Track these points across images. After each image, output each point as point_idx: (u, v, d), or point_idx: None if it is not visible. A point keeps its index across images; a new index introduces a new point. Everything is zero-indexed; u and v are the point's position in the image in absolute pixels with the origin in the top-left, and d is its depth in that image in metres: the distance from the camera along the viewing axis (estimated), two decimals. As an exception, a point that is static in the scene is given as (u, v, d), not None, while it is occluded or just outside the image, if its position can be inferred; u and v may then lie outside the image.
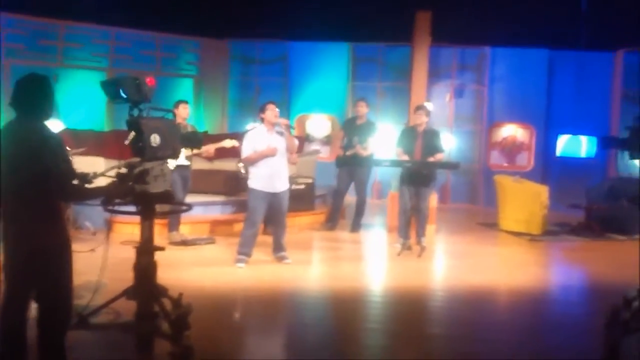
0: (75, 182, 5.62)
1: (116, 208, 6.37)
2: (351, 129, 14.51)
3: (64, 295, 5.68)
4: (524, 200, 15.30)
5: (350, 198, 14.99)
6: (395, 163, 12.96)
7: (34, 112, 5.56)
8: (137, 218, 6.34)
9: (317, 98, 20.92)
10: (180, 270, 10.30)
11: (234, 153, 13.26)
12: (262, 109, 11.18)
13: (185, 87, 21.28)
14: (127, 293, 6.32)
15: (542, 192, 15.42)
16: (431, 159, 12.66)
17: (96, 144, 14.09)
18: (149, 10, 19.24)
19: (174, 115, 11.60)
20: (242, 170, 13.60)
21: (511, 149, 20.67)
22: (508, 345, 7.99)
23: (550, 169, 20.33)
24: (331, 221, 14.85)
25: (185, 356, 6.20)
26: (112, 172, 6.10)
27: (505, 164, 20.50)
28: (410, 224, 12.78)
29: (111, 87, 6.27)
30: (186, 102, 12.86)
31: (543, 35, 19.88)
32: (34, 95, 5.59)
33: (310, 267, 11.97)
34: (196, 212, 12.35)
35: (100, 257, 6.35)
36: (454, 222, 16.70)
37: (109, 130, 18.01)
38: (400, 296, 10.09)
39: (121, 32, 19.79)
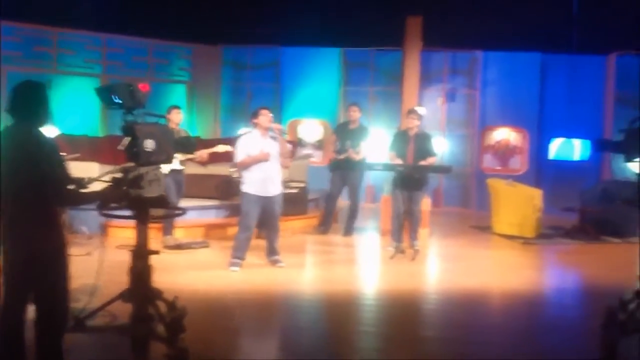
0: (71, 187, 5.67)
1: (111, 212, 6.41)
2: (344, 133, 14.55)
3: (61, 298, 5.72)
4: (517, 204, 15.34)
5: (343, 202, 15.02)
6: (388, 167, 13.00)
7: (30, 118, 5.61)
8: (132, 222, 6.37)
9: (309, 103, 20.96)
10: (175, 274, 10.31)
11: (227, 158, 13.28)
12: (256, 114, 11.23)
13: (178, 93, 21.30)
14: (123, 296, 6.35)
15: (535, 196, 15.47)
16: (423, 163, 12.70)
17: (90, 149, 14.12)
18: (141, 16, 19.30)
19: (167, 120, 11.65)
20: (235, 175, 13.64)
21: (504, 153, 20.71)
22: (502, 347, 8.02)
23: (544, 172, 20.36)
24: (324, 225, 14.89)
25: (181, 358, 6.24)
26: (107, 177, 6.14)
27: (498, 168, 20.53)
28: (403, 228, 12.83)
29: (106, 94, 6.31)
30: (179, 108, 12.90)
31: (535, 39, 19.92)
32: (30, 102, 5.64)
33: (304, 270, 12.03)
34: (190, 217, 12.39)
35: (96, 261, 6.40)
36: (446, 226, 16.74)
37: (103, 135, 18.02)
38: (393, 299, 10.12)
39: (114, 38, 19.83)
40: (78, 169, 6.09)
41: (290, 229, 14.51)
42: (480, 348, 7.94)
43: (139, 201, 6.15)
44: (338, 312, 9.40)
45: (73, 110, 17.79)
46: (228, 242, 12.13)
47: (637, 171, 7.39)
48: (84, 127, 18.16)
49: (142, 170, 6.09)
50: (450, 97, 20.64)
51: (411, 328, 8.79)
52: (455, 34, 19.27)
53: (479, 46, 20.36)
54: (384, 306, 9.93)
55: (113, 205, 6.33)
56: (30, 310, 5.73)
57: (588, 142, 20.00)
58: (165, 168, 10.12)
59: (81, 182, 5.80)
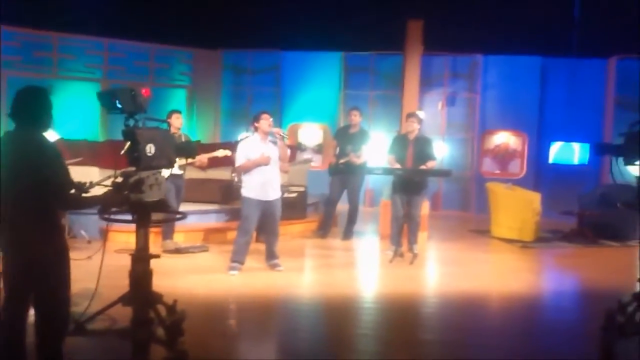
0: (72, 191, 5.71)
1: (112, 216, 6.44)
2: (344, 137, 14.57)
3: (61, 302, 5.76)
4: (516, 208, 15.37)
5: (342, 206, 15.04)
6: (388, 171, 13.01)
7: (32, 123, 5.66)
8: (132, 227, 6.40)
9: (309, 107, 21.02)
10: (174, 277, 10.33)
11: (227, 162, 13.34)
12: (256, 119, 11.25)
13: (178, 97, 21.37)
14: (123, 300, 6.38)
15: (534, 199, 15.51)
16: (423, 167, 12.73)
17: (91, 154, 14.13)
18: (142, 21, 19.34)
19: (168, 125, 11.66)
20: (235, 179, 13.69)
21: (504, 156, 20.76)
22: (500, 350, 8.03)
23: (543, 176, 20.40)
24: (323, 229, 14.91)
25: (180, 361, 6.29)
26: (108, 182, 6.17)
27: (498, 171, 20.58)
28: (402, 232, 12.84)
29: (107, 98, 6.33)
30: (179, 112, 12.92)
31: (535, 43, 19.98)
32: (33, 107, 5.68)
33: (303, 274, 12.04)
34: (190, 221, 12.42)
35: (96, 265, 6.43)
36: (446, 230, 16.77)
37: (104, 140, 18.08)
38: (392, 302, 10.14)
39: (115, 43, 19.90)
40: (78, 173, 6.11)
41: (289, 233, 14.56)
42: (479, 351, 7.98)
43: (140, 205, 6.18)
44: (337, 315, 9.42)
45: (73, 115, 17.83)
46: (227, 246, 12.14)
47: (637, 174, 7.41)
48: (84, 131, 18.21)
49: (143, 174, 6.12)
50: (451, 100, 20.71)
51: (410, 331, 8.81)
52: (456, 38, 19.31)
53: (480, 50, 20.42)
54: (383, 309, 9.96)
55: (114, 209, 6.36)
56: (31, 314, 5.78)
57: (587, 146, 20.04)
58: (165, 172, 10.16)
59: (82, 187, 5.84)
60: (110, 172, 6.20)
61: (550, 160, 20.66)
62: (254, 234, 11.91)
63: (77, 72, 19.32)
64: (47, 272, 5.61)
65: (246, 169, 11.08)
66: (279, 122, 19.32)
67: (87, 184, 5.87)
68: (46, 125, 5.78)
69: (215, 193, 15.03)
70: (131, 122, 6.26)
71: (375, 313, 9.79)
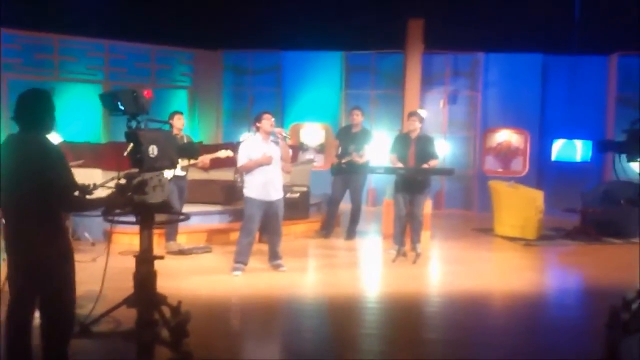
0: (76, 193, 5.72)
1: (116, 218, 6.44)
2: (346, 137, 14.55)
3: (66, 304, 5.78)
4: (519, 206, 15.36)
5: (345, 206, 15.04)
6: (390, 170, 13.01)
7: (36, 125, 5.68)
8: (135, 228, 6.40)
9: (311, 107, 21.00)
10: (178, 279, 10.35)
11: (229, 163, 13.34)
12: (258, 119, 11.26)
13: (179, 98, 21.38)
14: (128, 301, 6.39)
15: (537, 197, 15.50)
16: (425, 166, 12.72)
17: (93, 156, 14.14)
18: (142, 23, 19.35)
19: (170, 126, 11.67)
20: (238, 179, 13.70)
21: (506, 154, 20.74)
22: (504, 348, 8.04)
23: (546, 173, 20.39)
24: (326, 229, 14.91)
25: (185, 362, 6.30)
26: (111, 183, 6.18)
27: (500, 170, 20.57)
28: (405, 231, 12.84)
29: (109, 100, 6.34)
30: (181, 113, 12.92)
31: (536, 40, 19.96)
32: (36, 109, 5.70)
33: (306, 274, 12.07)
34: (193, 222, 12.40)
35: (100, 267, 6.44)
36: (448, 228, 16.78)
37: (106, 142, 18.09)
38: (395, 302, 10.15)
39: (116, 45, 19.90)
40: (81, 175, 6.12)
41: (292, 233, 14.56)
42: (483, 350, 7.99)
43: (143, 207, 6.18)
44: (340, 315, 9.42)
45: (75, 117, 17.83)
46: (230, 247, 12.16)
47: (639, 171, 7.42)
48: (86, 133, 18.23)
49: (146, 176, 6.12)
50: (452, 99, 20.70)
51: (414, 330, 8.83)
52: (457, 36, 19.29)
53: (481, 48, 20.40)
54: (386, 309, 9.97)
55: (117, 211, 6.37)
56: (36, 317, 5.80)
57: (590, 143, 20.04)
58: (167, 174, 10.18)
59: (86, 189, 5.85)
60: (113, 174, 6.20)
61: (553, 157, 20.66)
62: (257, 235, 11.91)
63: (79, 74, 19.33)
64: (51, 274, 5.63)
65: (248, 169, 11.09)
66: (280, 122, 19.34)
67: (91, 186, 5.88)
68: (49, 128, 5.80)
69: (218, 194, 15.03)
70: (134, 124, 6.27)
71: (379, 312, 9.80)
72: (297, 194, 15.13)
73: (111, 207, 6.24)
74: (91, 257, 10.42)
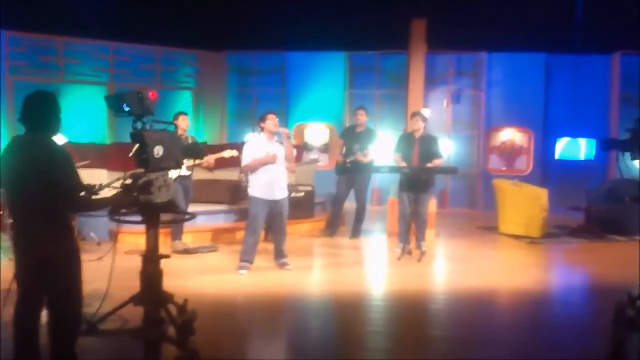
0: (82, 193, 5.77)
1: (122, 218, 6.48)
2: (351, 137, 14.59)
3: (74, 303, 5.84)
4: (523, 204, 15.39)
5: (349, 205, 15.07)
6: (394, 169, 13.06)
7: (42, 127, 5.74)
8: (141, 228, 6.43)
9: (315, 107, 21.06)
10: (184, 278, 10.40)
11: (234, 163, 13.38)
12: (262, 119, 11.31)
13: (184, 99, 21.41)
14: (134, 300, 6.42)
15: (541, 195, 15.51)
16: (429, 165, 12.76)
17: (99, 156, 14.17)
18: (146, 24, 19.39)
19: (175, 127, 11.71)
20: (244, 179, 13.74)
21: (510, 153, 20.77)
22: (509, 346, 8.07)
23: (550, 172, 20.41)
24: (331, 228, 14.95)
25: (191, 360, 6.33)
26: (117, 184, 6.22)
27: (504, 168, 20.60)
28: (409, 229, 12.88)
29: (115, 101, 6.36)
30: (185, 114, 12.97)
31: (539, 39, 19.99)
32: (42, 112, 5.77)
33: (311, 272, 12.07)
34: (198, 221, 12.49)
35: (106, 266, 6.49)
36: (453, 227, 16.82)
37: (111, 143, 18.13)
38: (400, 300, 10.18)
39: (120, 46, 19.96)
40: (87, 176, 6.17)
41: (297, 232, 14.62)
42: (488, 347, 8.01)
43: (149, 206, 6.22)
44: (346, 313, 9.46)
45: (80, 118, 17.89)
46: (236, 246, 12.21)
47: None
48: (91, 134, 18.28)
49: (152, 176, 6.16)
50: (456, 98, 20.72)
51: (419, 328, 8.84)
52: (460, 36, 19.32)
53: (484, 47, 20.42)
54: (391, 307, 9.99)
55: (123, 211, 6.40)
56: (44, 315, 5.85)
57: (593, 142, 20.06)
58: (172, 174, 10.22)
59: (92, 189, 5.91)
60: (118, 174, 6.24)
61: (557, 156, 20.68)
62: (263, 233, 11.94)
63: (84, 76, 19.40)
64: (58, 273, 5.68)
65: (253, 168, 11.13)
66: (284, 123, 19.40)
67: (97, 187, 5.94)
68: (55, 129, 5.87)
69: (223, 193, 15.09)
70: (139, 125, 6.31)
71: (384, 310, 9.82)
72: (302, 193, 15.20)
73: (117, 207, 6.28)
74: (97, 256, 10.45)
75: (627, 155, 7.31)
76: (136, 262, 6.34)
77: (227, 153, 12.65)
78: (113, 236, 10.91)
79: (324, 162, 20.43)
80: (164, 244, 11.70)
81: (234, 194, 15.00)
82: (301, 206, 14.94)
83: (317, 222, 15.67)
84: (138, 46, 20.28)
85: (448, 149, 19.93)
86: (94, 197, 5.90)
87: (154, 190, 6.14)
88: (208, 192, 14.73)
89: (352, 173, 14.35)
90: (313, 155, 20.45)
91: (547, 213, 15.51)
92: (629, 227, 15.16)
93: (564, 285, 11.81)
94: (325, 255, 13.29)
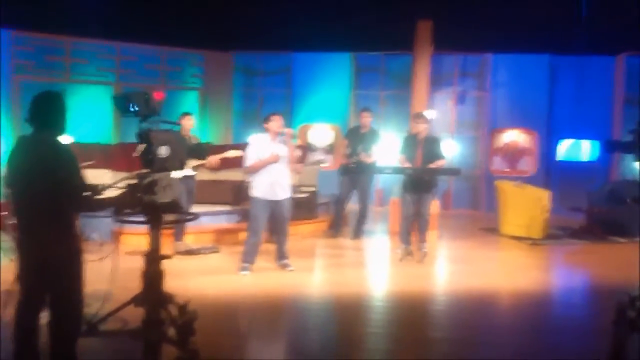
0: (87, 193, 5.83)
1: (125, 218, 6.52)
2: (355, 138, 14.64)
3: (75, 303, 5.89)
4: (525, 205, 15.40)
5: (353, 205, 15.10)
6: (397, 170, 13.07)
7: (49, 127, 5.81)
8: (143, 229, 6.48)
9: (320, 108, 21.08)
10: (185, 278, 10.41)
11: (238, 163, 13.40)
12: (267, 120, 11.36)
13: (190, 100, 21.44)
14: (135, 300, 6.46)
15: (543, 197, 15.51)
16: (432, 166, 12.79)
17: (104, 156, 14.18)
18: (153, 24, 19.42)
19: (180, 127, 11.75)
20: (248, 180, 13.79)
21: (513, 154, 20.78)
22: (510, 347, 8.09)
23: (553, 173, 20.42)
24: (334, 228, 15.00)
25: (192, 361, 6.37)
26: (121, 184, 6.27)
27: (507, 170, 20.60)
28: (412, 230, 12.91)
29: (122, 102, 6.42)
30: (191, 114, 13.02)
31: (544, 41, 19.96)
32: (49, 112, 5.84)
33: (313, 273, 12.11)
34: (201, 222, 12.50)
35: (108, 267, 6.54)
36: (455, 228, 16.85)
37: (116, 143, 18.17)
38: (402, 301, 10.22)
39: (127, 47, 20.01)
40: (91, 176, 6.22)
41: (300, 233, 14.61)
42: (489, 348, 8.03)
43: (153, 207, 6.26)
44: (347, 314, 9.48)
45: (86, 118, 17.93)
46: (238, 247, 12.23)
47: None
48: (96, 134, 18.33)
49: (156, 176, 6.21)
50: (460, 99, 20.75)
51: (420, 329, 8.85)
52: (465, 37, 19.33)
53: (489, 49, 20.44)
54: (392, 308, 10.03)
55: (127, 211, 6.45)
56: (44, 315, 5.90)
57: (597, 143, 20.07)
58: (176, 174, 10.26)
59: (96, 189, 5.96)
60: (123, 174, 6.29)
61: (560, 157, 20.67)
62: (265, 234, 11.98)
63: (90, 76, 19.46)
64: (61, 273, 5.74)
65: (256, 169, 11.15)
66: (290, 123, 19.39)
67: (101, 187, 5.99)
68: (62, 129, 5.93)
69: (227, 194, 15.11)
70: (145, 125, 6.36)
71: (385, 311, 9.85)
72: (306, 194, 15.21)
73: (121, 207, 6.33)
74: (99, 257, 10.48)
75: (631, 157, 7.33)
76: (137, 263, 6.37)
77: (232, 153, 12.67)
78: (115, 237, 10.93)
79: (329, 163, 20.46)
80: (166, 245, 11.73)
81: (237, 195, 15.00)
82: (304, 207, 14.94)
83: (320, 223, 15.71)
84: (144, 46, 20.32)
85: (452, 149, 19.95)
86: (98, 197, 5.95)
87: (158, 190, 6.19)
88: (211, 192, 14.75)
89: (355, 174, 14.39)
90: (317, 156, 20.47)
91: (549, 214, 15.53)
92: (630, 229, 15.15)
93: (564, 286, 11.85)
94: (328, 256, 13.33)
